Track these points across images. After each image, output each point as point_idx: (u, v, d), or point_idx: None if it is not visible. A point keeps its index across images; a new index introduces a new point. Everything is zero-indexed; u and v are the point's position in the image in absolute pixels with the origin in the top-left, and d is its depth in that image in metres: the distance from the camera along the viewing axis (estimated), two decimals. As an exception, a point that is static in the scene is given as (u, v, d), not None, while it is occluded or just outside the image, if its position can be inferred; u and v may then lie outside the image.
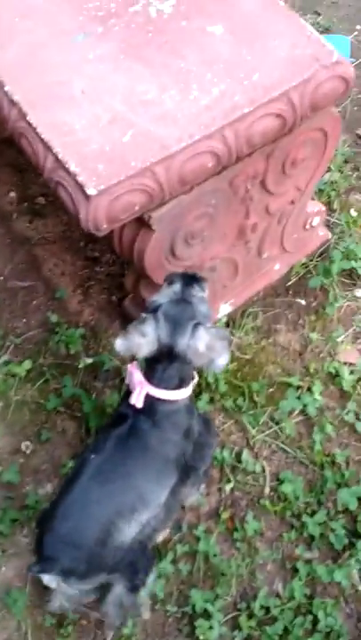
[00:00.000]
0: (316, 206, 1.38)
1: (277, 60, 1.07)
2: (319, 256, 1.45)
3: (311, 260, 1.44)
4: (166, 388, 1.03)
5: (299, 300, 1.42)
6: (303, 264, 1.44)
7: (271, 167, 1.18)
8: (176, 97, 1.05)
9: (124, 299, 1.40)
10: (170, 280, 1.05)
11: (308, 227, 1.39)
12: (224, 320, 1.37)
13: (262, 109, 1.04)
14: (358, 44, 1.78)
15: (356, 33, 1.81)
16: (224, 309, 1.37)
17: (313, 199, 1.39)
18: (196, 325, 0.99)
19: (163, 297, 1.03)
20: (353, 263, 1.43)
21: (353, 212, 1.50)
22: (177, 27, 1.12)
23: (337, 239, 1.46)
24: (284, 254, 1.40)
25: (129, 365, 1.06)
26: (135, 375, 1.04)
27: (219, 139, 1.02)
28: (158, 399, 1.03)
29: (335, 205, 1.50)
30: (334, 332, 1.37)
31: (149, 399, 1.04)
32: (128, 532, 1.04)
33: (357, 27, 1.82)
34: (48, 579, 1.01)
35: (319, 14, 1.83)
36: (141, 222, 1.07)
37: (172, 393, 1.04)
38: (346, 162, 1.57)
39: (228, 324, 1.37)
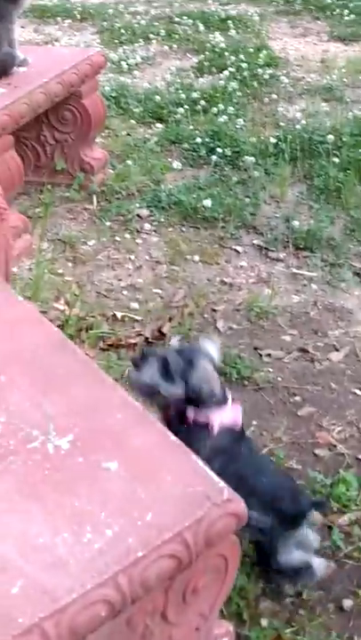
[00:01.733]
0: (222, 627, 1.32)
1: (170, 498, 1.10)
2: None
3: None
4: None
5: None
6: None
7: (171, 599, 1.14)
8: (69, 540, 1.04)
9: None
10: None
11: (217, 648, 1.31)
12: None
13: (156, 552, 1.03)
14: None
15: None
16: None
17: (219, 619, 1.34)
18: None
19: None
20: None
21: (263, 622, 1.44)
22: (73, 463, 1.16)
23: None
24: None
25: None
26: None
27: (112, 586, 0.99)
28: None
29: (245, 616, 1.44)
30: None
31: None
32: None
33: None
34: None
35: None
36: None
37: None
38: (253, 565, 1.55)
39: None
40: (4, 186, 2.39)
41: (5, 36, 2.60)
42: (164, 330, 2.24)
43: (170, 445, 1.19)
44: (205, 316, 2.33)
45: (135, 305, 2.38)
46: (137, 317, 2.31)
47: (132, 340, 2.19)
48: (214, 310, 2.34)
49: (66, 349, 1.43)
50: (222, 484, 1.12)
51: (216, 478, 1.13)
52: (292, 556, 1.35)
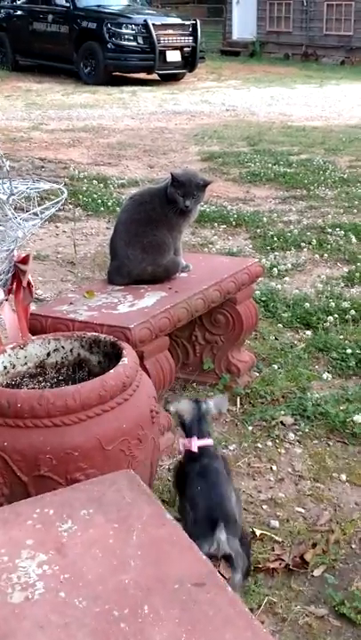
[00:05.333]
0: None
1: None
2: None
3: None
4: None
5: None
6: None
7: None
8: None
9: None
10: None
11: None
12: None
13: None
14: None
15: None
16: None
17: None
18: None
19: None
20: None
21: None
22: None
23: None
24: None
25: None
26: None
27: None
28: None
29: None
30: None
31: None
32: None
33: None
34: None
35: None
36: None
37: None
38: None
39: None
40: (156, 385, 2.42)
41: (172, 245, 2.77)
42: (307, 557, 2.07)
43: None
44: (353, 546, 2.15)
45: (275, 523, 2.25)
46: (277, 538, 2.17)
47: (272, 565, 2.04)
48: (363, 541, 2.17)
49: (214, 584, 1.32)
50: None
51: None
52: None
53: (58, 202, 2.57)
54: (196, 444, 1.99)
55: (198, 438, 2.00)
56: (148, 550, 1.40)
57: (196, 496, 1.87)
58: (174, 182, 2.67)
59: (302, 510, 2.32)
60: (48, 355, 2.16)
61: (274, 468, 2.54)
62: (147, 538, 1.43)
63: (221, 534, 1.74)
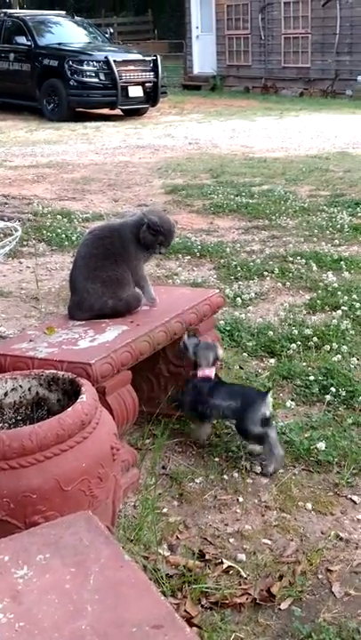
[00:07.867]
0: None
1: None
2: None
3: None
4: None
5: None
6: None
7: None
8: None
9: None
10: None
11: None
12: None
13: None
14: None
15: None
16: None
17: None
18: None
19: None
20: None
21: None
22: None
23: None
24: None
25: None
26: None
27: None
28: None
29: None
30: None
31: None
32: None
33: None
34: None
35: None
36: None
37: None
38: None
39: None
40: (118, 420, 2.40)
41: (132, 279, 2.77)
42: (274, 590, 2.05)
43: None
44: (320, 576, 2.13)
45: (242, 556, 2.22)
46: (243, 573, 2.14)
47: (238, 600, 2.01)
48: (329, 571, 2.14)
49: (172, 626, 1.30)
50: None
51: None
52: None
53: (14, 239, 2.56)
54: (213, 371, 2.81)
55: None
56: (105, 594, 1.37)
57: (230, 388, 2.85)
58: (153, 231, 2.71)
59: (269, 542, 2.29)
60: (5, 394, 2.13)
61: (240, 499, 2.52)
62: (104, 581, 1.40)
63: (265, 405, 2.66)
